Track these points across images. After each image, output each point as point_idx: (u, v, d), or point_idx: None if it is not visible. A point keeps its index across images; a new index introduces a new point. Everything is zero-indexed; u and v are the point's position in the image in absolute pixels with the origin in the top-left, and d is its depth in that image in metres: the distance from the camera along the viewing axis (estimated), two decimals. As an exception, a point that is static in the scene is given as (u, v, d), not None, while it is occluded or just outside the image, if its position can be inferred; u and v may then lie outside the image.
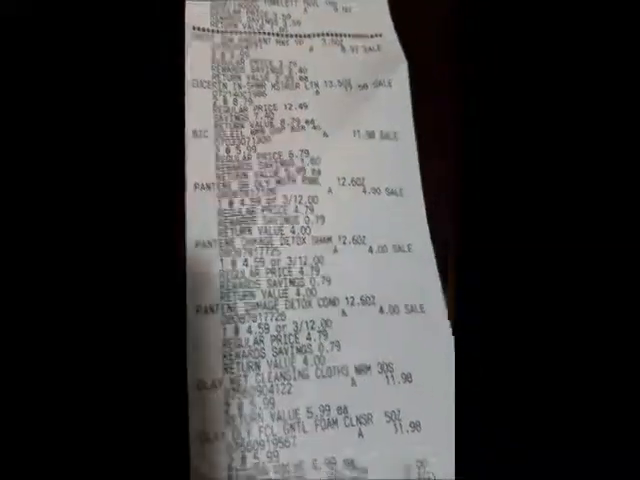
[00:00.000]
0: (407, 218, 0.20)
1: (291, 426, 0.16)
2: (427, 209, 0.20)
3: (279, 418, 0.16)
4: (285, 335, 0.17)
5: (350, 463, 0.16)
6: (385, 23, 0.23)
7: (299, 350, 0.17)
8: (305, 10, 0.23)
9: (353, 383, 0.17)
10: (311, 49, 0.22)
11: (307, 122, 0.21)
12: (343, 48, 0.23)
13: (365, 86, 0.22)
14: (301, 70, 0.22)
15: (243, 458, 0.16)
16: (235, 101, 0.21)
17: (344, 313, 0.18)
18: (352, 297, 0.18)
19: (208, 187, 0.19)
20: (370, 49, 0.23)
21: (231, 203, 0.19)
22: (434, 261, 0.19)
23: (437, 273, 0.19)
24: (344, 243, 0.19)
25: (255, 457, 0.16)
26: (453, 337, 0.18)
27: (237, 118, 0.20)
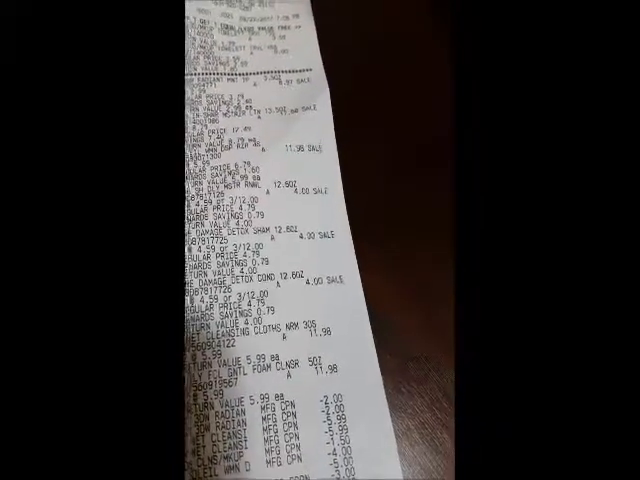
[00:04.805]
0: (330, 211, 0.25)
1: (234, 370, 0.21)
2: (347, 203, 0.25)
3: (224, 364, 0.21)
4: (230, 303, 0.22)
5: (280, 397, 0.21)
6: (315, 60, 0.29)
7: (241, 314, 0.22)
8: (251, 53, 0.29)
9: (284, 337, 0.22)
10: (255, 84, 0.28)
11: (250, 140, 0.26)
12: (280, 81, 0.28)
13: (296, 110, 0.27)
14: (247, 101, 0.27)
15: (195, 396, 0.20)
16: (194, 127, 0.26)
17: (278, 285, 0.23)
18: (285, 273, 0.23)
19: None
20: (302, 81, 0.28)
21: (188, 205, 0.24)
22: (352, 243, 0.24)
23: (354, 253, 0.24)
24: (279, 232, 0.24)
25: (204, 395, 0.20)
26: (365, 300, 0.23)
27: (195, 140, 0.26)
